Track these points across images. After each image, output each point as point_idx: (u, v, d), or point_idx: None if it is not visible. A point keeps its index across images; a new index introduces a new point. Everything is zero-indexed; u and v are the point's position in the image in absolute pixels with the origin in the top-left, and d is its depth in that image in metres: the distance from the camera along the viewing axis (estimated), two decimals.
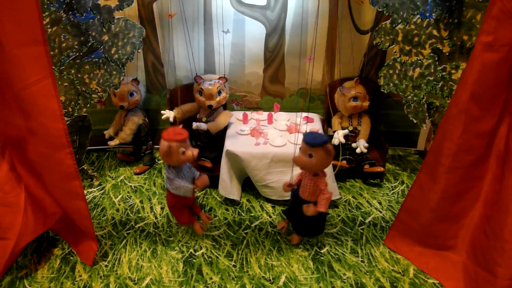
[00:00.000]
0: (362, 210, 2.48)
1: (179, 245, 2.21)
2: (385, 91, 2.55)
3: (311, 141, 1.79)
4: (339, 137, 2.55)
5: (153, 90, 2.94)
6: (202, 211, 2.33)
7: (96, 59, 2.38)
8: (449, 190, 1.84)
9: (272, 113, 2.79)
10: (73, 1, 2.17)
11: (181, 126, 1.96)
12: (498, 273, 1.66)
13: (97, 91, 2.44)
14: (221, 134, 2.65)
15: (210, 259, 2.12)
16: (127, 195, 2.65)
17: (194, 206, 2.27)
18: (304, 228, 2.13)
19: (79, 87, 2.39)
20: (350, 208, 2.50)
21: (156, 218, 2.43)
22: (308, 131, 2.24)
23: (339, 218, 2.41)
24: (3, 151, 1.91)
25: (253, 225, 2.36)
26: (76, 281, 1.99)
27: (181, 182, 2.00)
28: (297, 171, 2.38)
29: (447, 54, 2.26)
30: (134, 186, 2.74)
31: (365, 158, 2.64)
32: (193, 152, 1.93)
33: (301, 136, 1.91)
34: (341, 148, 2.55)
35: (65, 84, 2.33)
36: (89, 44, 2.32)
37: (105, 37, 2.34)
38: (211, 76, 2.61)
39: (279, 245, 2.21)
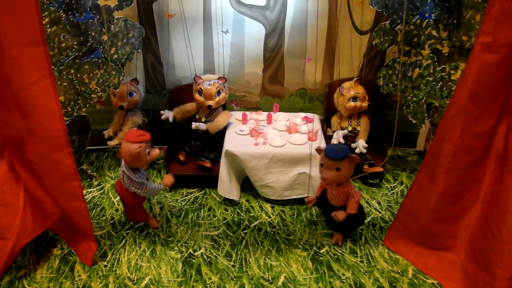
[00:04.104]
0: None
1: (178, 245, 2.21)
2: (385, 92, 2.55)
3: (335, 156, 1.82)
4: (338, 137, 2.56)
5: (153, 90, 2.94)
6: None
7: (96, 59, 2.38)
8: (448, 191, 1.84)
9: (272, 113, 2.79)
10: (72, 1, 2.18)
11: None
12: (497, 273, 1.66)
13: (96, 91, 2.44)
14: (221, 134, 2.65)
15: (209, 259, 2.12)
16: None
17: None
18: (347, 227, 2.16)
19: (78, 87, 2.39)
20: None
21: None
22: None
23: None
24: (2, 151, 1.91)
25: (252, 225, 2.36)
26: (75, 281, 1.99)
27: (152, 184, 2.08)
28: (296, 171, 2.39)
29: (446, 54, 2.26)
30: None
31: (364, 158, 2.64)
32: (154, 151, 1.98)
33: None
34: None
35: (65, 84, 2.34)
36: (89, 44, 2.32)
37: (105, 37, 2.34)
38: (210, 76, 2.61)
39: (278, 245, 2.21)
